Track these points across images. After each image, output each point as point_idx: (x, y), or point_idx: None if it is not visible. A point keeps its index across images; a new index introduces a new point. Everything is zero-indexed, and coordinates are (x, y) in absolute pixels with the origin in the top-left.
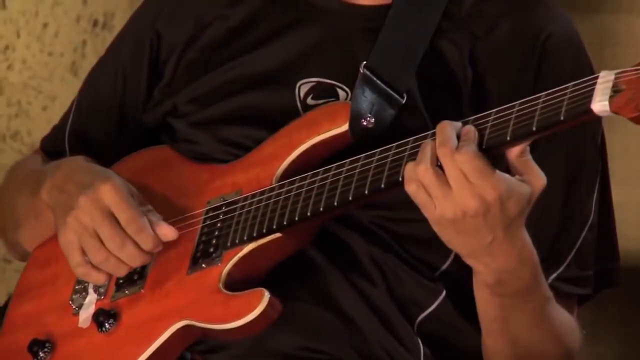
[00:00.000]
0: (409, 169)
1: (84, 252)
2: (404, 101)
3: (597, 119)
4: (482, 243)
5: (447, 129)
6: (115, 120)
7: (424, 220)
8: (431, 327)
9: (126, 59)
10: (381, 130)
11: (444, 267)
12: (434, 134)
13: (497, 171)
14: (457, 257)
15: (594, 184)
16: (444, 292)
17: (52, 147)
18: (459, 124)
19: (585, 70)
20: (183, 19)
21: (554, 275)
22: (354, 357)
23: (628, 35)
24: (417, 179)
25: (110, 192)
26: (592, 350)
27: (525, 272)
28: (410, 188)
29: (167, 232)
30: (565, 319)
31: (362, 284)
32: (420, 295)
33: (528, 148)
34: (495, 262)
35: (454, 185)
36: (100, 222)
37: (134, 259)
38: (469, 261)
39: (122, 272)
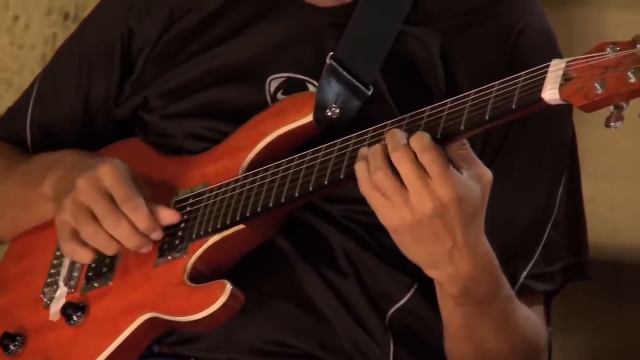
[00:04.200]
0: (359, 171)
1: (75, 233)
2: (369, 93)
3: (550, 107)
4: (443, 249)
5: (397, 133)
6: (80, 114)
7: None
8: (402, 320)
9: (92, 52)
10: (346, 121)
11: None
12: (392, 123)
13: (452, 168)
14: None
15: (559, 180)
16: (416, 285)
17: (12, 134)
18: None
19: None
20: (156, 14)
21: (524, 273)
22: (322, 351)
23: (599, 29)
24: (372, 181)
25: (107, 172)
26: (562, 341)
27: (487, 278)
28: (365, 190)
29: (168, 215)
30: (529, 316)
31: (333, 276)
32: (392, 288)
33: (467, 142)
34: (457, 270)
35: (411, 187)
36: (96, 201)
37: (129, 239)
38: (431, 273)
39: (110, 249)
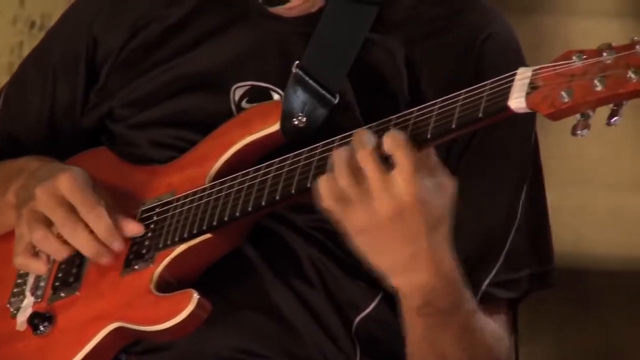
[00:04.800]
0: (322, 185)
1: (29, 247)
2: (336, 101)
3: (516, 115)
4: (404, 256)
5: (364, 133)
6: (46, 124)
7: None
8: (368, 329)
9: (57, 61)
10: (313, 130)
11: None
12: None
13: (420, 173)
14: None
15: (522, 188)
16: (381, 294)
17: None
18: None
19: None
20: (120, 24)
21: (487, 281)
22: (288, 359)
23: (566, 36)
24: (333, 189)
25: (66, 181)
26: (527, 350)
27: (450, 290)
28: (327, 203)
29: (132, 227)
30: (492, 328)
31: (300, 285)
32: (358, 297)
33: (434, 150)
34: (420, 279)
35: (374, 187)
36: (53, 209)
37: (87, 246)
38: (393, 281)
39: (61, 254)
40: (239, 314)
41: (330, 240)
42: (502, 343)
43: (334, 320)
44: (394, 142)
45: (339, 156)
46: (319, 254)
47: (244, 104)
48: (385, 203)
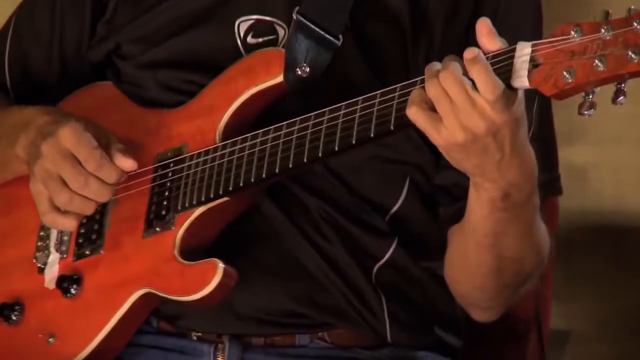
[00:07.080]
0: (414, 93)
1: (53, 203)
2: (340, 43)
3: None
4: (492, 161)
5: (453, 61)
6: (56, 57)
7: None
8: (387, 276)
9: None
10: (316, 79)
11: (395, 209)
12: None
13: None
14: (407, 199)
15: (534, 97)
16: (396, 240)
17: None
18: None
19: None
20: None
21: None
22: (320, 313)
23: None
24: (422, 99)
25: (67, 134)
26: (567, 308)
27: (528, 184)
28: (411, 111)
29: (126, 164)
30: (542, 226)
31: (320, 241)
32: (374, 248)
33: None
34: (505, 177)
35: (461, 107)
36: (61, 164)
37: (100, 194)
38: (476, 179)
39: (89, 209)
40: (264, 272)
41: (342, 185)
42: (547, 240)
43: (355, 272)
44: (471, 61)
45: (429, 68)
46: (331, 207)
47: (249, 39)
48: (479, 124)
